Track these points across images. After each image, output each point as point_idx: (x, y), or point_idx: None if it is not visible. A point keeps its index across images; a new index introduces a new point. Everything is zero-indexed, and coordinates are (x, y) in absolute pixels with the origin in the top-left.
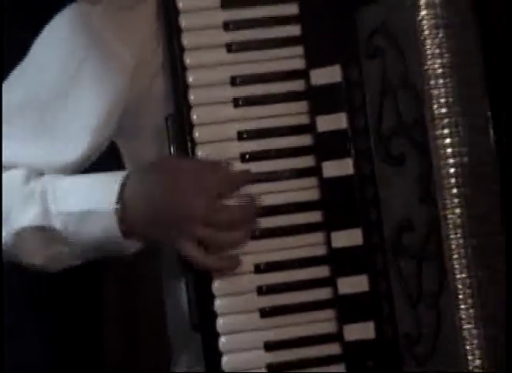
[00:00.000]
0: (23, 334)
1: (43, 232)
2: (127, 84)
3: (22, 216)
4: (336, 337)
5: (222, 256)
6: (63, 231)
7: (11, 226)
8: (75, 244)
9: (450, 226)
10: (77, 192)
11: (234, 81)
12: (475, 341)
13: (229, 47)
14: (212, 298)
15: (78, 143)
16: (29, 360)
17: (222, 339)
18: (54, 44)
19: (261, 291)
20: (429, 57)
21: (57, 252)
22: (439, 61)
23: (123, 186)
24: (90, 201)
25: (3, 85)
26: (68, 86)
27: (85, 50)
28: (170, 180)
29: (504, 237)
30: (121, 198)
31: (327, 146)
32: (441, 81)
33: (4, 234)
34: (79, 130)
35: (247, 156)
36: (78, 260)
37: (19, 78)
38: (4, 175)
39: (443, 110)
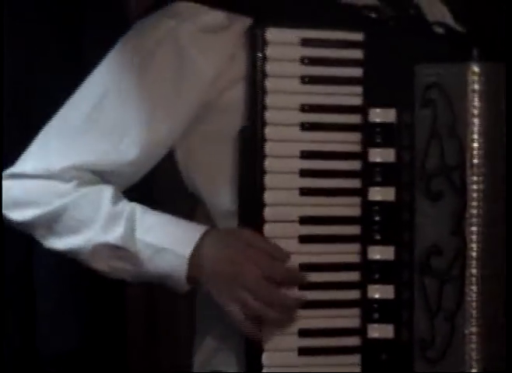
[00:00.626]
0: (63, 317)
1: (119, 251)
2: (201, 94)
3: (106, 233)
4: (360, 332)
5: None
6: (137, 256)
7: (91, 238)
8: (141, 269)
9: (471, 257)
10: (161, 228)
11: (303, 108)
12: (479, 355)
13: (303, 79)
14: None
15: (141, 144)
16: (66, 340)
17: None
18: (136, 50)
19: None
20: (474, 114)
21: (123, 269)
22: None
23: (201, 239)
24: (170, 241)
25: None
26: (145, 90)
27: (168, 60)
28: (238, 250)
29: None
30: (197, 249)
31: (374, 174)
32: (481, 136)
33: (82, 242)
34: (145, 133)
35: (306, 173)
36: (134, 280)
37: (103, 76)
38: (91, 188)
39: (480, 161)
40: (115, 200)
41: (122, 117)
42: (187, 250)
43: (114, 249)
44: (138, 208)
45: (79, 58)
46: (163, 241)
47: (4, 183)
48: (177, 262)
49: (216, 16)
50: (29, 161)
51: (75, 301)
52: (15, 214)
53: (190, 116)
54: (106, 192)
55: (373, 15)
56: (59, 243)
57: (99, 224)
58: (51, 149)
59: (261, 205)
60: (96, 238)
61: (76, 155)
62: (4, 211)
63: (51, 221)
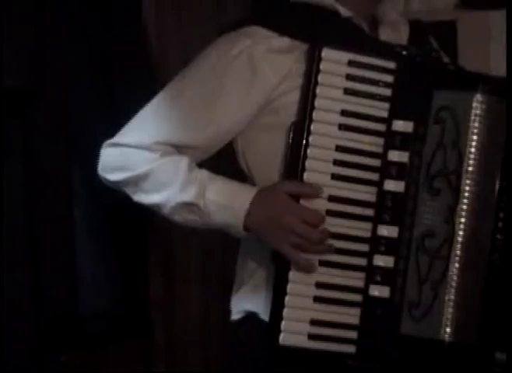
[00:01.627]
0: (98, 283)
1: (193, 206)
2: (265, 95)
3: (182, 193)
4: (362, 291)
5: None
6: (205, 211)
7: (171, 196)
8: (208, 220)
9: (457, 242)
10: (225, 190)
11: (343, 113)
12: (453, 319)
13: (346, 91)
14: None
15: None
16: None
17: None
18: (212, 64)
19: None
20: (474, 132)
21: (194, 220)
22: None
23: (254, 197)
24: (232, 199)
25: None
26: (224, 89)
27: (244, 68)
28: (278, 202)
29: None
30: (251, 205)
31: (390, 170)
32: (477, 150)
33: (164, 199)
34: (221, 120)
35: (338, 162)
36: (202, 228)
37: (183, 85)
38: (172, 157)
39: (474, 169)
40: (190, 168)
41: (205, 108)
42: (243, 207)
43: (188, 205)
44: (206, 174)
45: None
46: (226, 199)
47: (105, 149)
48: (236, 216)
49: (282, 42)
50: (127, 134)
51: (108, 271)
52: (112, 176)
53: (255, 111)
54: (184, 161)
55: (404, 52)
56: (145, 199)
57: (178, 186)
58: (145, 127)
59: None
60: (174, 196)
61: (164, 133)
62: (101, 173)
63: (140, 181)
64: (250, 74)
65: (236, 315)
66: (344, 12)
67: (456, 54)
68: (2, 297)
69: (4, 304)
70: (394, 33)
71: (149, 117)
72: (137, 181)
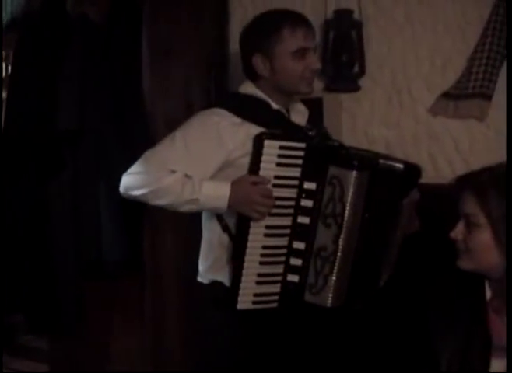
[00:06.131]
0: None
1: (194, 200)
2: (224, 157)
3: (187, 194)
4: (282, 275)
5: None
6: (202, 201)
7: (178, 197)
8: (203, 207)
9: (338, 253)
10: (212, 186)
11: (275, 177)
12: (335, 293)
13: (277, 164)
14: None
15: (204, 170)
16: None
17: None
18: (196, 129)
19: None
20: (350, 196)
21: (192, 208)
22: (350, 198)
23: (231, 188)
24: (218, 191)
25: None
26: (199, 148)
27: (212, 136)
28: (246, 187)
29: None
30: (231, 192)
31: (301, 210)
32: (351, 206)
33: (174, 200)
34: (206, 165)
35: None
36: (198, 211)
37: (178, 138)
38: (174, 176)
39: (348, 213)
40: (186, 179)
41: (189, 154)
42: (226, 195)
43: (189, 200)
44: (198, 180)
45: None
46: (215, 192)
47: (126, 176)
48: (223, 201)
49: (237, 120)
50: (142, 165)
51: (120, 230)
52: (136, 192)
53: (218, 165)
54: (181, 175)
55: (310, 132)
56: (161, 202)
57: (184, 191)
58: (154, 160)
59: None
60: (181, 197)
61: (166, 163)
62: (124, 191)
63: (157, 193)
64: (216, 141)
65: (204, 279)
66: (273, 105)
67: (322, 118)
68: (57, 247)
69: (57, 254)
70: (301, 117)
71: (154, 155)
72: (155, 193)
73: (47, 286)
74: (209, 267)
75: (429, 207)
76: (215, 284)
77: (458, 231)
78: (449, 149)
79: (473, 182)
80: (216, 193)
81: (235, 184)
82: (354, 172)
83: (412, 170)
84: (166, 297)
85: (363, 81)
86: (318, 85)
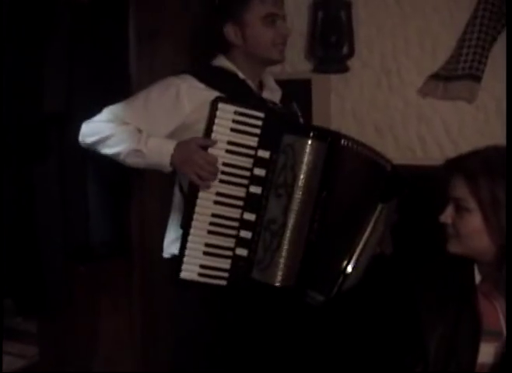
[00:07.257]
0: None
1: (139, 152)
2: (181, 118)
3: (134, 144)
4: (232, 255)
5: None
6: (146, 154)
7: (126, 147)
8: (147, 161)
9: (288, 226)
10: (158, 141)
11: (228, 142)
12: (284, 271)
13: (232, 129)
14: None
15: (157, 128)
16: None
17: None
18: (158, 89)
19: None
20: (303, 164)
21: (138, 161)
22: (305, 168)
23: (176, 145)
24: (162, 147)
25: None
26: (156, 107)
27: (172, 97)
28: (192, 150)
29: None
30: (174, 150)
31: (254, 180)
32: (304, 177)
33: (121, 149)
34: (160, 124)
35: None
36: (144, 167)
37: (140, 96)
38: (127, 126)
39: (301, 184)
40: (136, 130)
41: (147, 110)
42: (169, 151)
43: (136, 151)
44: (146, 134)
45: None
46: (158, 147)
47: (85, 125)
48: (165, 157)
49: (200, 85)
50: (100, 116)
51: (107, 212)
52: (89, 139)
53: (173, 126)
54: (133, 127)
55: (271, 105)
56: (109, 151)
57: (131, 141)
58: (112, 112)
59: None
60: (128, 146)
61: (124, 115)
62: (81, 139)
63: (106, 140)
64: (174, 101)
65: (165, 254)
66: (240, 75)
67: (310, 99)
68: (44, 230)
69: (43, 237)
70: (272, 95)
71: (114, 108)
72: (105, 140)
73: (34, 268)
74: (171, 240)
75: (418, 188)
76: (174, 259)
77: (448, 215)
78: (438, 131)
79: (463, 166)
80: (160, 149)
81: (181, 144)
82: (308, 141)
83: (399, 176)
84: (153, 278)
85: (352, 63)
86: (307, 66)
